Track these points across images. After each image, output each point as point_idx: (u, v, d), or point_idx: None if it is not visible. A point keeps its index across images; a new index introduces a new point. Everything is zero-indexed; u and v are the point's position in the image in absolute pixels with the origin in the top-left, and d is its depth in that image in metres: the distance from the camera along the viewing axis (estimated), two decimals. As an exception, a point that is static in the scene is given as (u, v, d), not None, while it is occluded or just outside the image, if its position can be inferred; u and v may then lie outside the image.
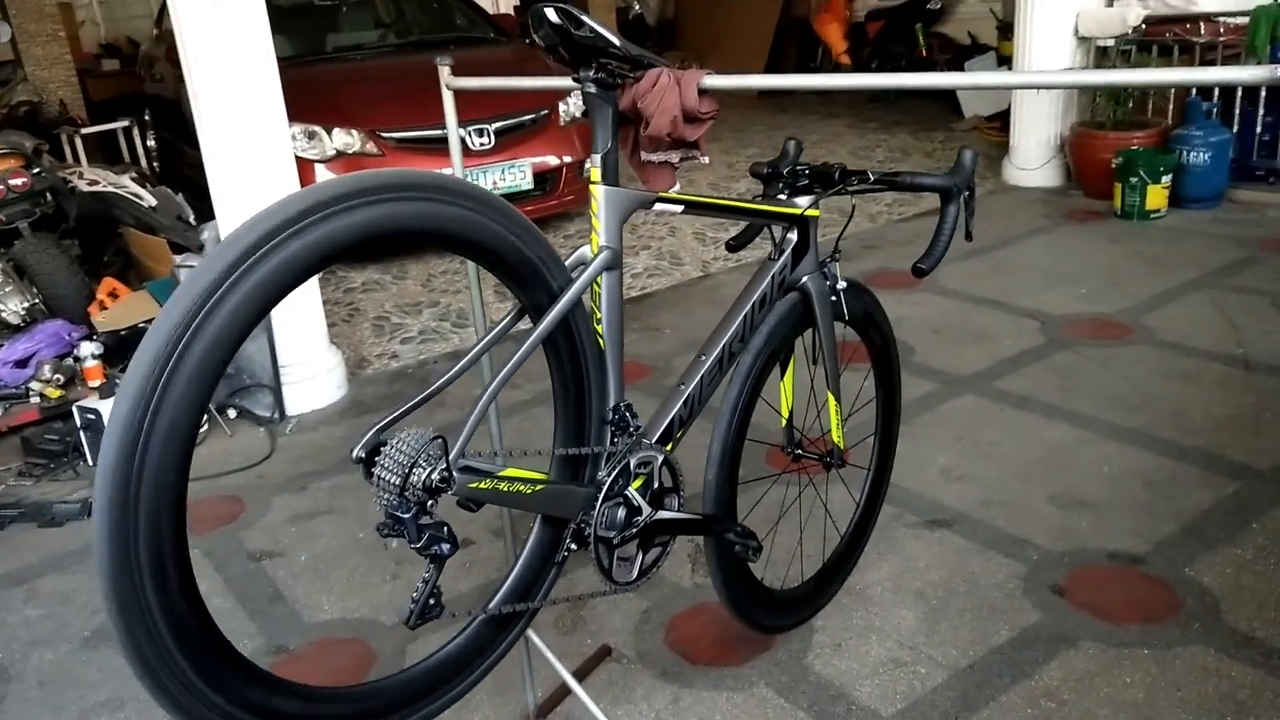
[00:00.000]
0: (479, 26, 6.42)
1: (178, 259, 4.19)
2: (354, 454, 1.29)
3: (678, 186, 1.67)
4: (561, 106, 5.49)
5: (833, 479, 2.28)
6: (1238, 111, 5.50)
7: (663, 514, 1.63)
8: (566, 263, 1.52)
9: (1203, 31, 5.71)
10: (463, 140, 5.05)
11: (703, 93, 1.54)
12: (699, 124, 1.57)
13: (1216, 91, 5.55)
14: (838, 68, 9.72)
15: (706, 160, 1.69)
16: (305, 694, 1.29)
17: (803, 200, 1.84)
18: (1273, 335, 3.74)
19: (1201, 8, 5.84)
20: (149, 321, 3.84)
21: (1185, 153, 5.33)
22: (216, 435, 3.68)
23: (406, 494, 1.26)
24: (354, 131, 5.03)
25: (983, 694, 2.12)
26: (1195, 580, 2.41)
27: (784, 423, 2.02)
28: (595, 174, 1.54)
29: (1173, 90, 5.69)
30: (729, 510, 1.85)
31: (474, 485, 1.36)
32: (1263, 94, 5.40)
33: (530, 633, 2.16)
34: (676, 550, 1.78)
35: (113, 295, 4.10)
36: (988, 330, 4.03)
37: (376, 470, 1.27)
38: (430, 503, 1.28)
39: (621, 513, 1.56)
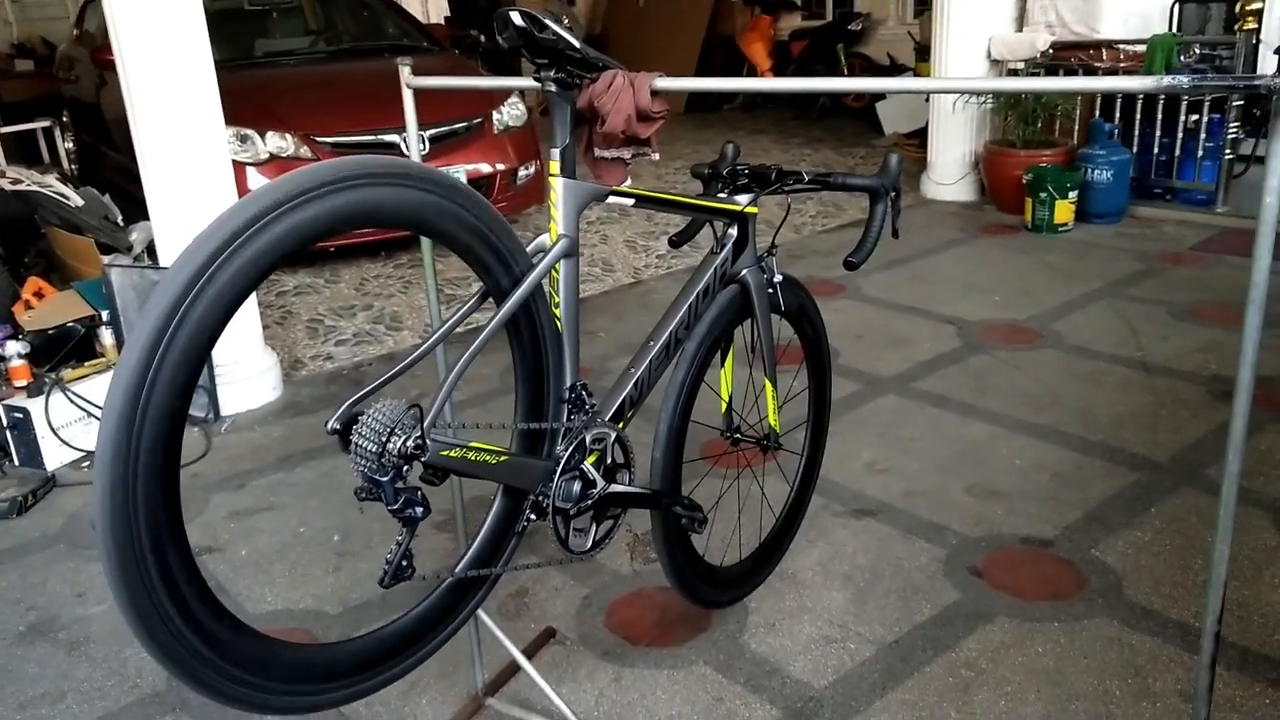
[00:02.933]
0: (411, 35, 6.46)
1: (106, 259, 4.15)
2: (329, 425, 1.36)
3: (629, 182, 1.78)
4: (495, 115, 5.56)
5: (767, 465, 2.40)
6: (1137, 133, 5.85)
7: (615, 487, 1.72)
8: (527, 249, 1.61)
9: (1105, 57, 6.06)
10: (397, 146, 5.13)
11: (654, 94, 1.64)
12: (651, 122, 1.67)
13: (1118, 113, 5.89)
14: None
15: (656, 156, 1.79)
16: (286, 649, 1.36)
17: (742, 198, 1.97)
18: (1169, 341, 4.00)
19: (1104, 35, 6.20)
20: (79, 320, 3.81)
21: (1090, 170, 5.64)
22: (148, 435, 3.64)
23: (384, 459, 1.33)
24: (288, 135, 5.03)
25: (907, 666, 2.25)
26: (1100, 560, 2.59)
27: (724, 408, 2.14)
28: (554, 166, 1.63)
29: (1078, 112, 6.01)
30: (674, 487, 1.95)
31: (445, 453, 1.44)
32: (1159, 117, 5.75)
33: (480, 613, 2.24)
34: (615, 540, 1.87)
35: (38, 295, 4.03)
36: (907, 335, 4.21)
37: (354, 438, 1.34)
38: (405, 468, 1.36)
39: (577, 486, 1.65)
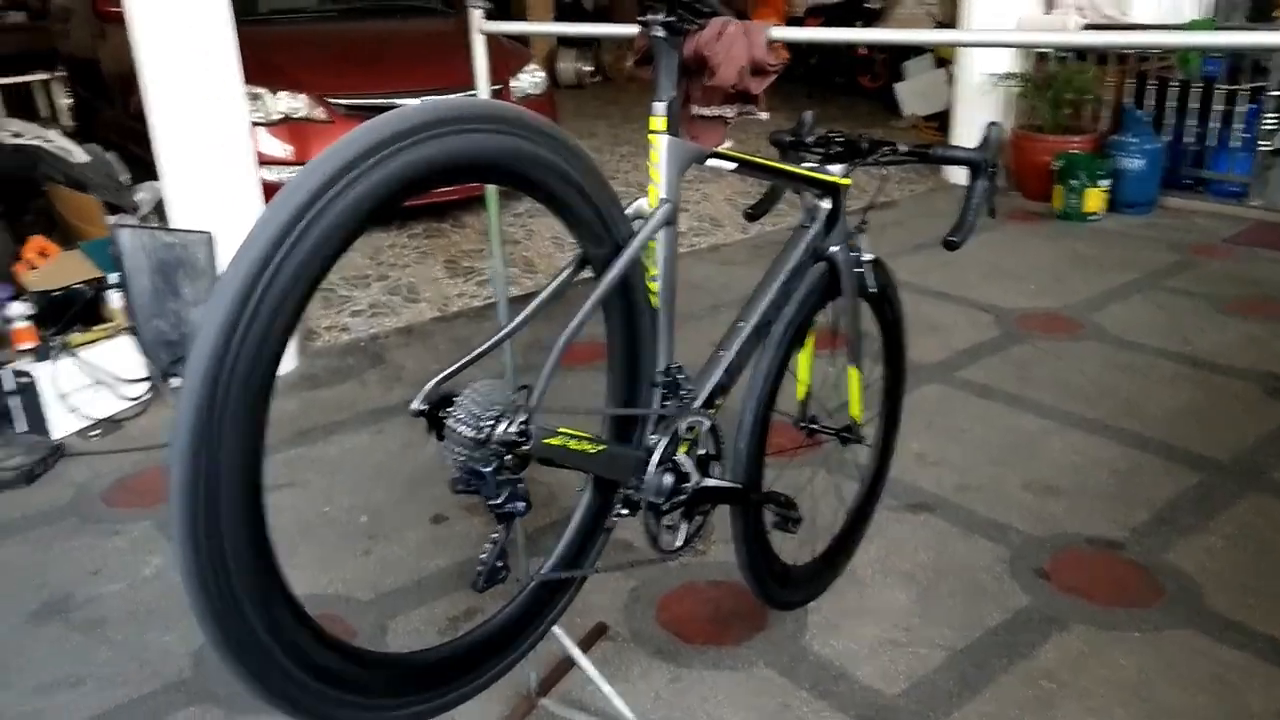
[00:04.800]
0: (424, -4, 6.25)
1: (113, 219, 3.96)
2: (413, 407, 1.21)
3: (729, 143, 1.62)
4: (513, 82, 5.37)
5: (826, 456, 2.26)
6: (1169, 123, 5.71)
7: (709, 481, 1.58)
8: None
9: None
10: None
11: (770, 44, 1.49)
12: (764, 76, 1.52)
13: (1151, 101, 5.75)
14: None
15: (765, 115, 1.64)
16: (361, 658, 1.21)
17: (836, 169, 1.81)
18: (1213, 334, 3.88)
19: (1134, 19, 6.05)
20: (86, 282, 3.63)
21: (1121, 159, 5.50)
22: (160, 405, 3.48)
23: (487, 448, 1.19)
24: (300, 95, 4.82)
25: (982, 675, 2.13)
26: (1174, 566, 2.47)
27: (800, 396, 1.99)
28: (657, 123, 1.47)
29: (1108, 98, 5.87)
30: (756, 481, 1.81)
31: (548, 441, 1.29)
32: (1192, 105, 5.62)
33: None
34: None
35: (42, 254, 3.84)
36: (943, 322, 4.08)
37: (450, 422, 1.19)
38: (508, 457, 1.21)
39: (670, 479, 1.51)
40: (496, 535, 1.27)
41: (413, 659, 1.33)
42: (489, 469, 1.18)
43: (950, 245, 1.79)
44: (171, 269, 3.53)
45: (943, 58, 7.74)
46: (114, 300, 3.59)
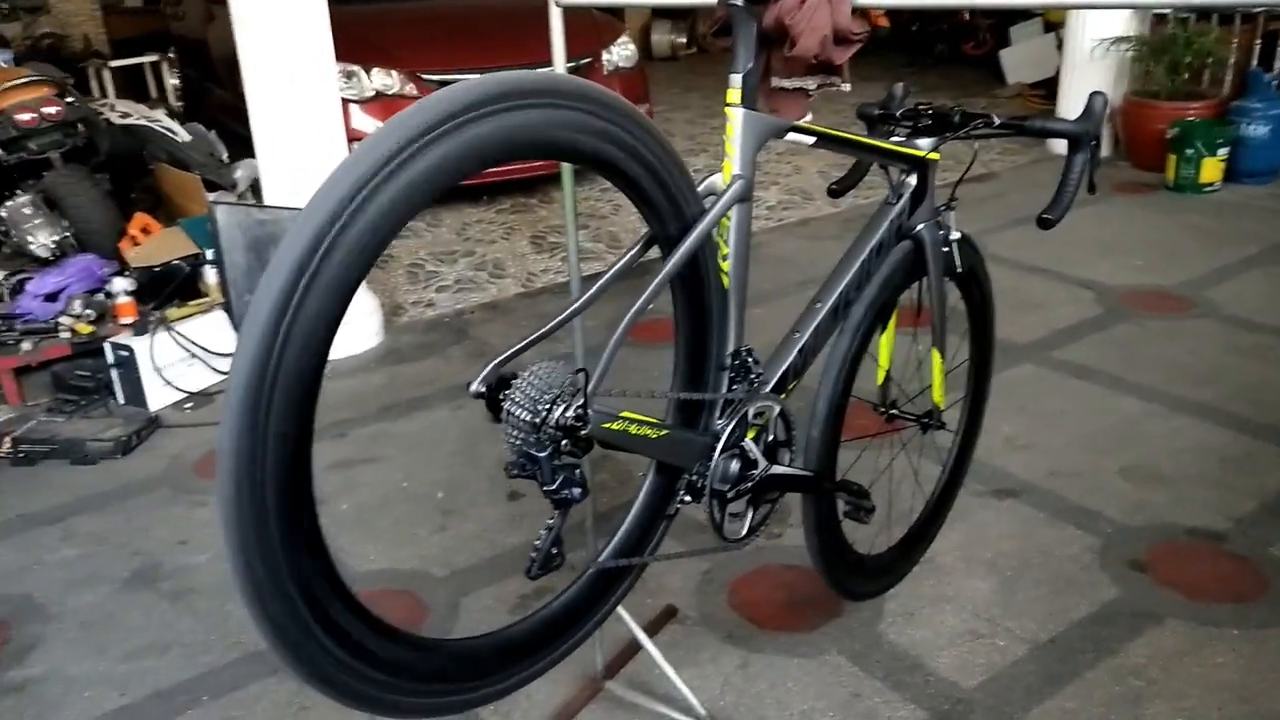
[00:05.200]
0: (516, -29, 6.24)
1: (211, 197, 4.08)
2: (472, 388, 1.19)
3: (810, 117, 1.55)
4: (605, 55, 5.33)
5: (910, 440, 2.17)
6: (1298, 85, 5.34)
7: (777, 469, 1.53)
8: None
9: (1266, 0, 5.52)
10: (505, 85, 4.96)
11: (854, 12, 1.42)
12: (848, 46, 1.45)
13: (1279, 64, 5.39)
14: (874, 31, 9.50)
15: (848, 88, 1.57)
16: (416, 643, 1.21)
17: (924, 142, 1.72)
18: (1341, 314, 3.62)
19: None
20: (184, 259, 3.75)
21: (1244, 125, 5.17)
22: (251, 378, 3.58)
23: (543, 432, 1.16)
24: (394, 72, 4.89)
25: (1066, 669, 2.03)
26: (1281, 560, 2.32)
27: (880, 379, 1.92)
28: (733, 95, 1.41)
29: (1232, 60, 5.52)
30: (830, 469, 1.75)
31: (607, 425, 1.26)
32: (1325, 67, 5.24)
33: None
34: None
35: (144, 231, 3.99)
36: (1042, 299, 3.91)
37: (507, 405, 1.17)
38: (565, 442, 1.18)
39: (736, 465, 1.46)
40: (551, 521, 1.24)
41: (470, 644, 1.32)
42: (544, 454, 1.16)
43: (1045, 224, 1.69)
44: (264, 246, 3.62)
45: (1052, 22, 7.39)
46: (210, 276, 3.70)
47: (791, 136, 1.46)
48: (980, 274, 2.02)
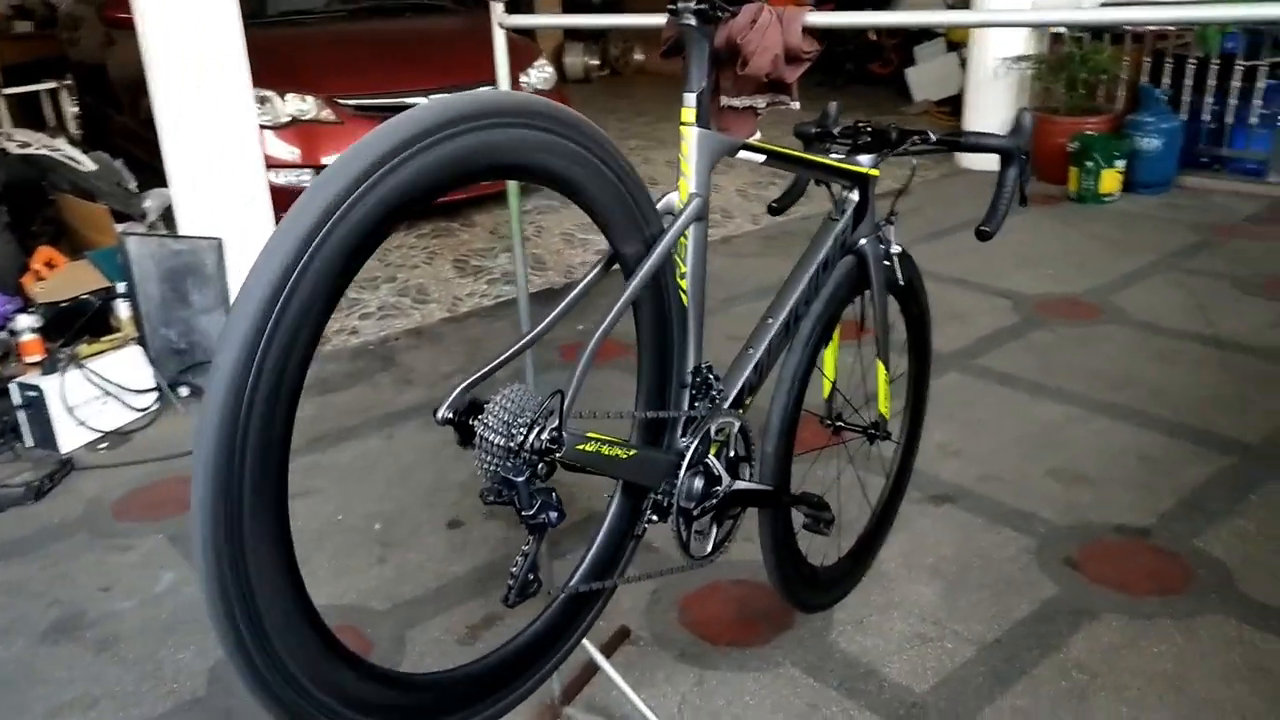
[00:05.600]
0: (430, -6, 6.21)
1: (121, 227, 3.94)
2: (439, 415, 1.17)
3: (758, 135, 1.57)
4: (523, 78, 5.32)
5: (848, 452, 2.20)
6: (1186, 100, 5.62)
7: (740, 484, 1.53)
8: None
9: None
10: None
11: (805, 31, 1.44)
12: (799, 64, 1.47)
13: (1167, 79, 5.66)
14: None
15: (797, 105, 1.59)
16: (393, 681, 1.17)
17: (864, 159, 1.76)
18: (1240, 316, 3.80)
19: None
20: (93, 293, 3.61)
21: (1139, 138, 5.42)
22: (169, 414, 3.46)
23: (521, 456, 1.14)
24: (309, 97, 4.79)
25: (1013, 668, 2.07)
26: (1205, 552, 2.41)
27: (826, 393, 1.94)
28: (688, 114, 1.42)
29: (1124, 77, 5.78)
30: (785, 483, 1.76)
31: (580, 447, 1.24)
32: (1210, 83, 5.53)
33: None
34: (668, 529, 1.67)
35: (49, 265, 3.83)
36: (961, 309, 4.02)
37: (481, 430, 1.15)
38: (541, 466, 1.17)
39: (701, 482, 1.46)
40: (527, 547, 1.22)
41: (440, 678, 1.29)
42: (521, 478, 1.14)
43: (983, 235, 1.74)
44: (180, 277, 3.51)
45: (954, 42, 7.65)
46: (122, 310, 3.56)
47: (743, 154, 1.48)
48: (918, 287, 2.07)
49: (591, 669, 2.04)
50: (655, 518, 1.45)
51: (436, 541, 2.65)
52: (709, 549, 1.53)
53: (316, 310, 0.95)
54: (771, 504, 1.69)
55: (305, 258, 0.93)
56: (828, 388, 1.94)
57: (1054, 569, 2.38)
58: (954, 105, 6.97)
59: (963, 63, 6.79)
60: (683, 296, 1.45)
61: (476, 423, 1.15)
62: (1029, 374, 3.41)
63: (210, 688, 2.16)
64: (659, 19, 1.54)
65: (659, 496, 1.43)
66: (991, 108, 6.09)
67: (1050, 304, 4.02)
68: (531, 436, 1.15)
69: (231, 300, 3.44)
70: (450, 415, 1.17)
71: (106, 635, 2.34)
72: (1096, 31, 5.81)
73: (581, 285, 1.35)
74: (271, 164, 4.13)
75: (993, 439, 2.99)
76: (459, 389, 1.18)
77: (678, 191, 1.44)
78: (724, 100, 1.52)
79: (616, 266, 1.40)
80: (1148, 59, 5.79)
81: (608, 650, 2.15)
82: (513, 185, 1.87)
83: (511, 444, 1.14)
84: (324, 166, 4.94)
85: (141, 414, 3.42)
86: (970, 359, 3.55)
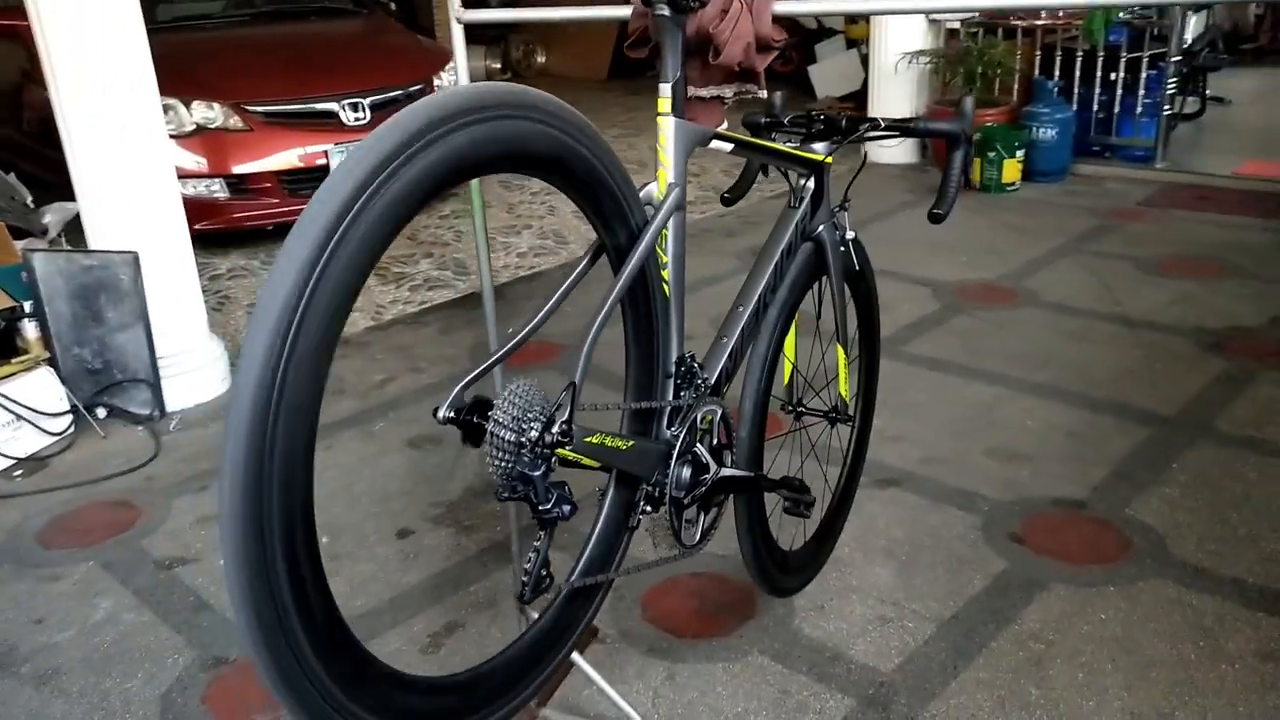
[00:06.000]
0: (334, -4, 6.08)
1: (21, 244, 3.75)
2: (440, 415, 1.16)
3: (725, 125, 1.60)
4: (436, 82, 5.25)
5: (802, 438, 2.24)
6: (1076, 92, 5.88)
7: (726, 471, 1.54)
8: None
9: (1044, 15, 6.06)
10: (336, 115, 4.81)
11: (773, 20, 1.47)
12: (768, 53, 1.49)
13: (1058, 72, 5.91)
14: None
15: (764, 94, 1.61)
16: (414, 685, 1.17)
17: (819, 147, 1.80)
18: (1143, 295, 4.00)
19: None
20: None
21: (1036, 129, 5.64)
22: (87, 437, 3.31)
23: (537, 450, 1.14)
24: (215, 105, 4.64)
25: (973, 642, 2.14)
26: (1137, 520, 2.53)
27: (787, 379, 1.98)
28: (664, 105, 1.43)
29: (1018, 70, 6.01)
30: (760, 468, 1.79)
31: (587, 440, 1.24)
32: (1098, 75, 5.79)
33: (532, 613, 2.04)
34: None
35: (-54, 286, 3.61)
36: (885, 299, 4.01)
37: (492, 427, 1.14)
38: (554, 459, 1.16)
39: (690, 471, 1.47)
40: (538, 543, 1.22)
41: (461, 680, 1.28)
42: (538, 473, 1.14)
43: (935, 218, 1.80)
44: (93, 293, 3.36)
45: (853, 39, 7.84)
46: (29, 330, 3.39)
47: (714, 144, 1.50)
48: (868, 272, 2.13)
49: (565, 669, 2.02)
50: (649, 508, 1.46)
51: (387, 552, 2.60)
52: (698, 537, 1.54)
53: (333, 320, 0.95)
54: (755, 489, 1.71)
55: (327, 255, 0.92)
56: (788, 373, 1.97)
57: (1001, 544, 2.47)
58: (857, 100, 7.15)
59: (863, 59, 6.97)
60: (665, 287, 1.46)
61: (489, 420, 1.14)
62: (956, 358, 3.52)
63: (163, 717, 2.07)
64: (624, 10, 1.54)
65: (650, 487, 1.44)
66: (894, 102, 6.27)
67: (968, 290, 4.16)
68: (545, 431, 1.14)
69: (150, 316, 3.32)
70: (452, 414, 1.16)
71: (45, 669, 2.23)
72: (989, 27, 6.04)
73: (572, 278, 1.35)
74: (178, 174, 3.98)
75: (930, 422, 3.08)
76: (458, 388, 1.17)
77: (656, 182, 1.45)
78: (691, 91, 1.53)
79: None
80: (1039, 53, 6.03)
81: (578, 649, 2.14)
82: (475, 185, 1.85)
83: (525, 439, 1.14)
84: (233, 176, 4.80)
85: (57, 438, 3.26)
86: (899, 346, 3.65)
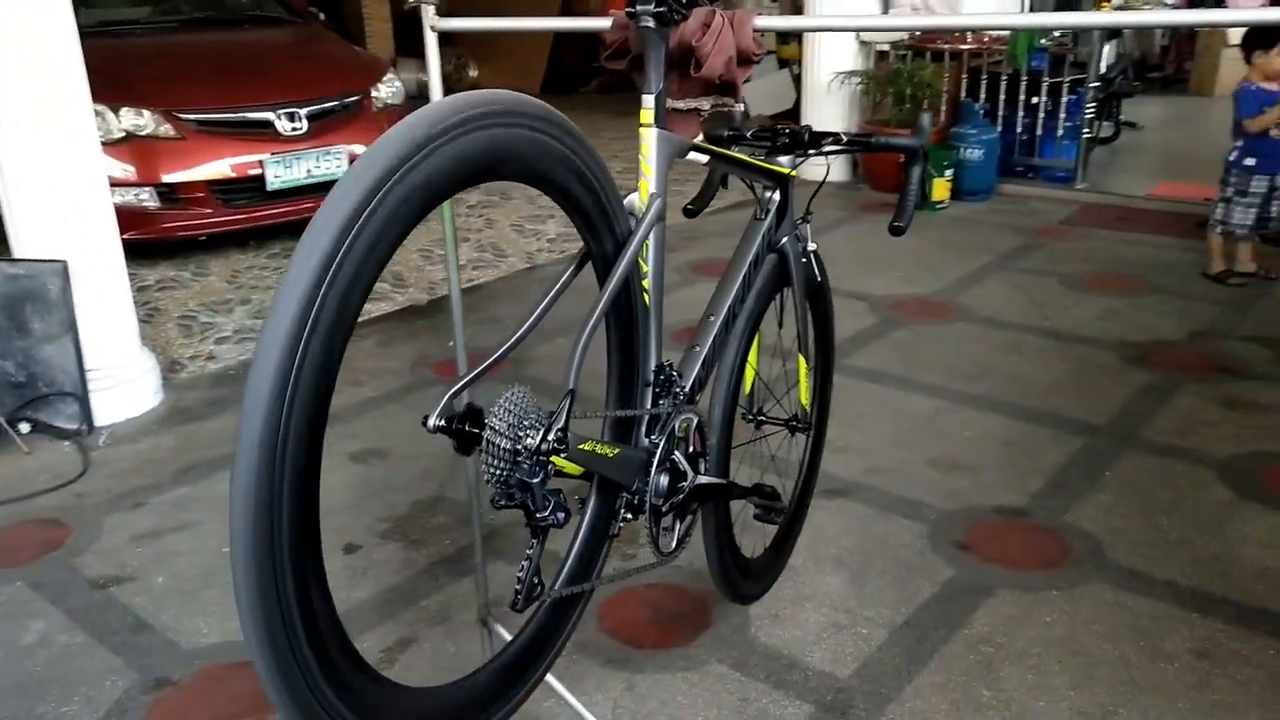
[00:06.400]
0: (268, 5, 5.95)
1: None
2: (430, 423, 1.15)
3: (699, 136, 1.61)
4: (374, 93, 5.19)
5: (760, 446, 2.27)
6: (1001, 114, 6.08)
7: (702, 479, 1.55)
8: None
9: (970, 40, 6.25)
10: (272, 124, 4.72)
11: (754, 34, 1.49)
12: (748, 66, 1.51)
13: (984, 93, 6.10)
14: (617, 71, 9.84)
15: (741, 107, 1.63)
16: (403, 693, 1.15)
17: (785, 160, 1.84)
18: (1070, 310, 4.14)
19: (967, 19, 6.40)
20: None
21: (963, 149, 5.81)
22: (9, 453, 3.18)
23: (536, 458, 1.13)
24: (145, 111, 4.51)
25: (925, 647, 2.19)
26: (1075, 526, 2.61)
27: (748, 388, 2.00)
28: (647, 115, 1.44)
29: (946, 92, 6.18)
30: (727, 476, 1.80)
31: (580, 447, 1.24)
32: (1021, 99, 6.00)
33: (498, 628, 2.03)
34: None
35: None
36: (822, 313, 4.18)
37: (489, 435, 1.13)
38: (550, 466, 1.16)
39: (666, 479, 1.48)
40: (531, 551, 1.21)
41: (446, 692, 1.27)
42: (537, 479, 1.13)
43: (896, 231, 1.84)
44: (17, 303, 3.24)
45: (785, 58, 7.98)
46: (-48, 343, 3.25)
47: (691, 155, 1.52)
48: (825, 284, 2.16)
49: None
50: (630, 516, 1.46)
51: (334, 567, 2.54)
52: (674, 544, 1.55)
53: (344, 323, 0.95)
54: (729, 496, 1.73)
55: (340, 255, 0.93)
56: (749, 383, 1.99)
57: (947, 552, 2.53)
58: (790, 119, 7.27)
59: (795, 79, 7.10)
60: (645, 297, 1.47)
61: (484, 428, 1.14)
62: (895, 370, 3.60)
63: (108, 742, 2.00)
64: (602, 23, 1.56)
65: (633, 494, 1.44)
66: (826, 121, 6.39)
67: (904, 305, 4.26)
68: (544, 438, 1.14)
69: (79, 327, 3.21)
70: (443, 423, 1.15)
71: (-27, 702, 2.14)
72: (918, 50, 6.21)
73: (558, 286, 1.35)
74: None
75: (873, 433, 3.14)
76: (446, 396, 1.17)
77: (638, 192, 1.46)
78: (669, 103, 1.55)
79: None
80: (965, 76, 6.22)
81: (538, 663, 2.13)
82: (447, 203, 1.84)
83: (523, 446, 1.13)
84: (164, 185, 4.66)
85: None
86: (840, 359, 3.67)
